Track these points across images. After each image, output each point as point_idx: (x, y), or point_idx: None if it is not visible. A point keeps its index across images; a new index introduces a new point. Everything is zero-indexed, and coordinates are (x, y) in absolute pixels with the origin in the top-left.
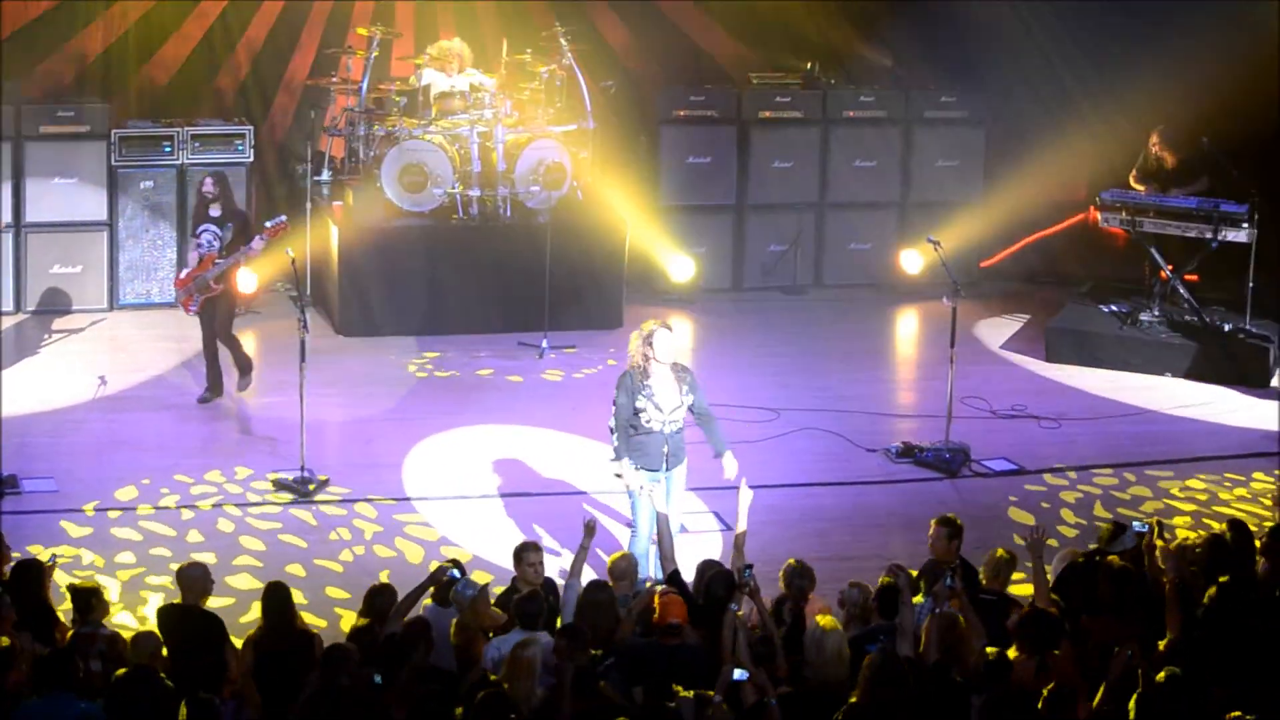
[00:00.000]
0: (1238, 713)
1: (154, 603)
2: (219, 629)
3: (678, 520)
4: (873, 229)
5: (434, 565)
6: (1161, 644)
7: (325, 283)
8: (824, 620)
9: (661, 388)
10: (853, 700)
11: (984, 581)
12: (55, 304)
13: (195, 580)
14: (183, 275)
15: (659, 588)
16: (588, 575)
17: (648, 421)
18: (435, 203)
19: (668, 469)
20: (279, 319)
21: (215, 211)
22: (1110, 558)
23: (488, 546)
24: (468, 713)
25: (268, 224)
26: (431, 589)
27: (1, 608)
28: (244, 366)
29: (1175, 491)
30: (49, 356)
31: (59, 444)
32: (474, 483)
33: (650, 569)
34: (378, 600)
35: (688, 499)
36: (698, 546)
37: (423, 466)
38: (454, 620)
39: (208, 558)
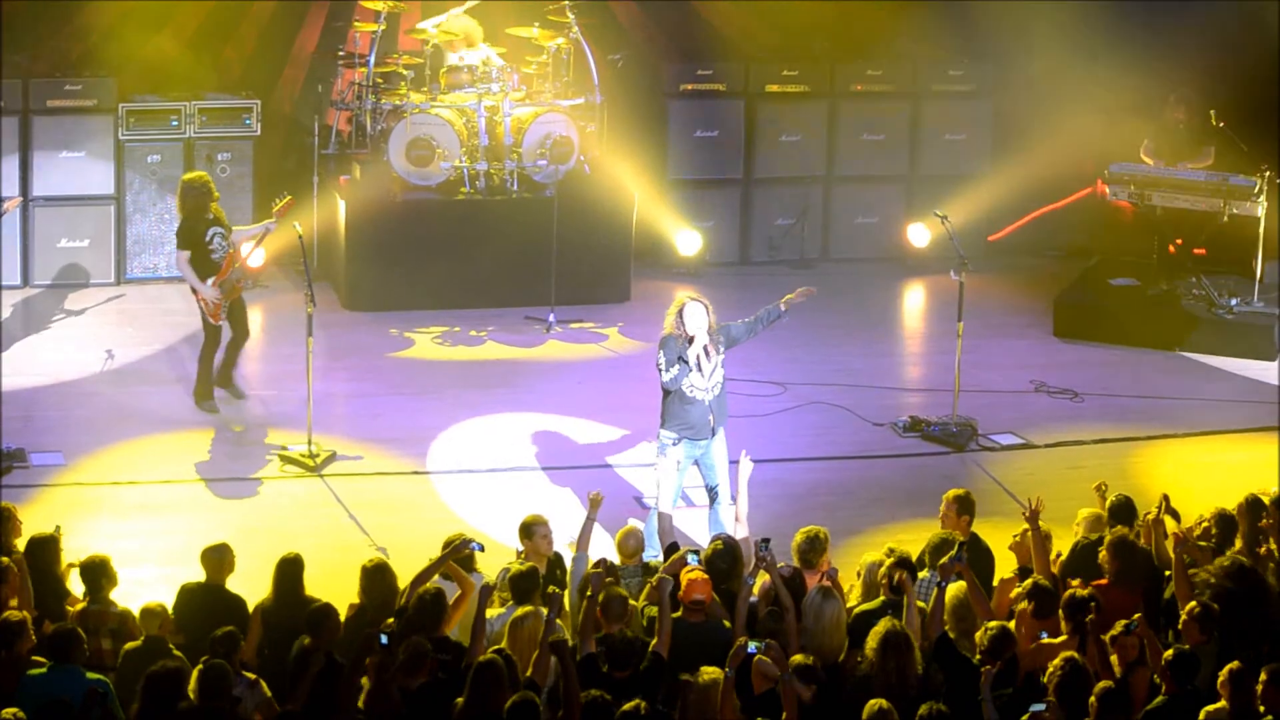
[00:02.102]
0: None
1: (162, 574)
2: (241, 608)
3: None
4: (880, 203)
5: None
6: (1183, 615)
7: (332, 257)
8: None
9: (702, 355)
10: (860, 672)
11: (1018, 564)
12: (63, 278)
13: (219, 558)
14: (215, 282)
15: (689, 557)
16: (593, 548)
17: (690, 389)
18: (442, 177)
19: (712, 435)
20: (286, 293)
21: (208, 214)
22: (1118, 529)
23: (496, 520)
24: (470, 684)
25: (276, 205)
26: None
27: (10, 577)
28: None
29: (1184, 465)
30: (57, 330)
31: (67, 418)
32: (481, 457)
33: (658, 544)
34: (374, 579)
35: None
36: (702, 520)
37: (430, 440)
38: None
39: (218, 532)
